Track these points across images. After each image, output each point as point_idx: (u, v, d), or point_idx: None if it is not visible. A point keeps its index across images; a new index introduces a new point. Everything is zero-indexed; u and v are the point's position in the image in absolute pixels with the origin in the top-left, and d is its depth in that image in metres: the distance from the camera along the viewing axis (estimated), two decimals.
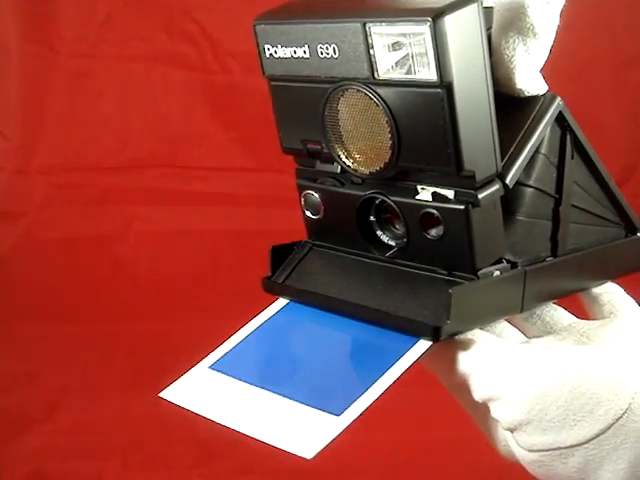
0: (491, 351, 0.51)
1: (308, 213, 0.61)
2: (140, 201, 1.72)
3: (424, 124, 0.49)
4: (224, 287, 1.43)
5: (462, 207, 0.50)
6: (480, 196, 0.50)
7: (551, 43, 0.55)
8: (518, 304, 0.55)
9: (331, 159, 0.56)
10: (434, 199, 0.52)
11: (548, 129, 0.56)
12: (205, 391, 0.60)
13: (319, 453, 0.52)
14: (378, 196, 0.54)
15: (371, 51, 0.50)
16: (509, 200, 0.53)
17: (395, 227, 0.56)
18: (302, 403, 0.53)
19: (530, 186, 0.55)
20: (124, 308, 1.37)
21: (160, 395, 0.56)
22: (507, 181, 0.52)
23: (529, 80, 0.55)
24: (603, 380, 0.49)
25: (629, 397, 0.48)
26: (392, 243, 0.56)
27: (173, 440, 1.03)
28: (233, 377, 0.59)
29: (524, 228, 0.55)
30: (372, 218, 0.56)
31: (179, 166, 1.78)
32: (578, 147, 0.59)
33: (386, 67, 0.50)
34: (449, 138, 0.48)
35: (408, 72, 0.49)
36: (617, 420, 0.48)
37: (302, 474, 0.95)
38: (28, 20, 1.76)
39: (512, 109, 0.54)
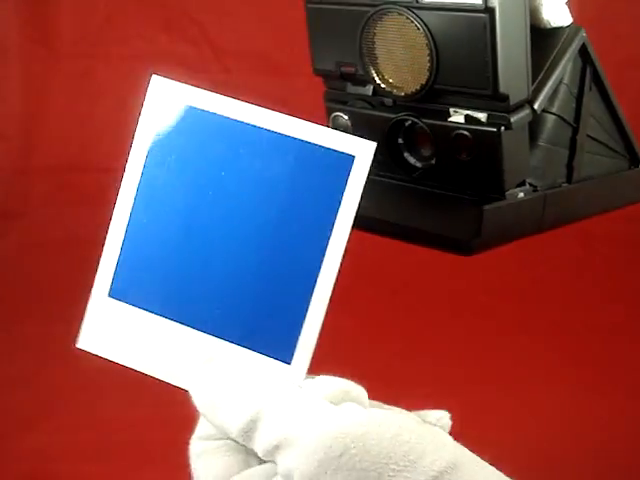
0: (285, 390, 0.44)
1: None
2: None
3: (464, 47, 0.51)
4: None
5: (495, 129, 0.52)
6: (512, 119, 0.52)
7: None
8: (536, 225, 0.57)
9: (363, 82, 0.57)
10: (467, 121, 0.53)
11: (571, 60, 0.58)
12: (118, 331, 0.51)
13: None
14: (409, 118, 0.55)
15: None
16: (532, 126, 0.55)
17: (422, 149, 0.57)
18: (240, 346, 0.44)
19: (552, 113, 0.57)
20: None
21: (78, 347, 0.51)
22: (535, 106, 0.54)
23: (555, 11, 0.56)
24: (426, 432, 0.43)
25: (452, 451, 0.43)
26: (418, 165, 0.57)
27: (173, 440, 1.03)
28: (141, 308, 0.49)
29: (544, 154, 0.57)
30: (400, 140, 0.57)
31: None
32: (596, 79, 0.61)
33: None
34: (489, 61, 0.50)
35: None
36: (442, 474, 0.42)
37: None
38: (28, 20, 1.76)
39: (539, 39, 0.55)
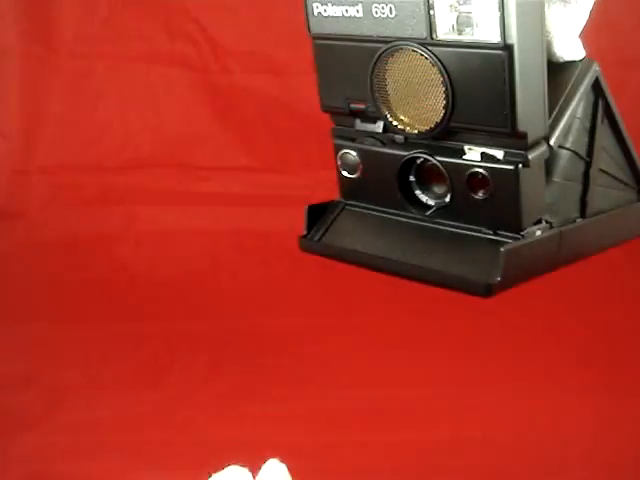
0: None
1: (344, 172, 0.60)
2: (140, 201, 1.72)
3: (481, 85, 0.50)
4: (224, 287, 1.43)
5: (512, 167, 0.51)
6: (530, 156, 0.51)
7: (590, 8, 0.55)
8: (553, 262, 0.56)
9: (373, 118, 0.56)
10: (483, 159, 0.52)
11: (585, 94, 0.57)
12: None
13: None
14: (422, 156, 0.54)
15: (431, 11, 0.50)
16: (547, 162, 0.54)
17: (435, 187, 0.56)
18: None
19: (567, 149, 0.56)
20: (124, 308, 1.37)
21: None
22: (552, 143, 0.52)
23: (568, 46, 0.55)
24: None
25: None
26: (431, 203, 0.56)
27: (173, 440, 1.03)
28: None
29: (559, 190, 0.56)
30: (412, 178, 0.56)
31: (179, 166, 1.78)
32: (607, 112, 0.60)
33: (446, 28, 0.50)
34: (507, 99, 0.49)
35: (468, 33, 0.49)
36: None
37: (302, 474, 0.95)
38: (28, 20, 1.76)
39: (552, 74, 0.54)
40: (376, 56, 0.53)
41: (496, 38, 0.47)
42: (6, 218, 1.69)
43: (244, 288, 1.42)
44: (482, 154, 0.51)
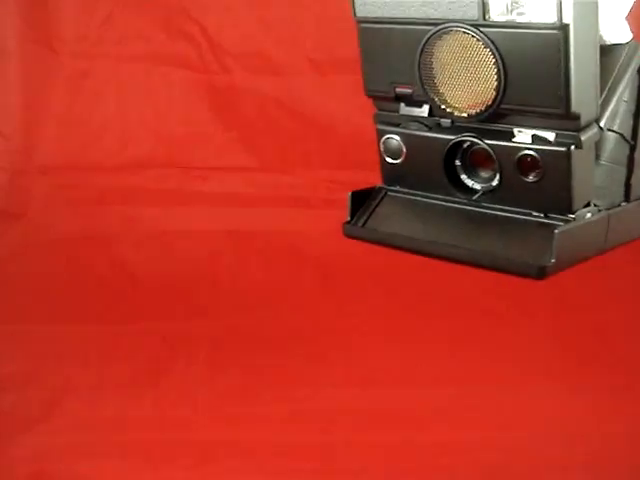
0: None
1: (387, 158, 0.59)
2: (140, 201, 1.72)
3: (534, 66, 0.49)
4: (224, 287, 1.43)
5: (564, 149, 0.50)
6: (583, 138, 0.50)
7: None
8: (600, 245, 0.55)
9: (419, 103, 0.54)
10: (534, 141, 0.51)
11: (632, 78, 0.56)
12: None
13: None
14: (470, 139, 0.53)
15: None
16: (596, 145, 0.53)
17: (482, 171, 0.55)
18: None
19: (615, 132, 0.55)
20: (124, 308, 1.37)
21: None
22: (602, 125, 0.52)
23: (614, 28, 0.54)
24: None
25: None
26: (477, 187, 0.54)
27: (173, 440, 1.03)
28: None
29: (607, 173, 0.55)
30: (458, 163, 0.55)
31: (179, 166, 1.78)
32: None
33: (499, 9, 0.49)
34: (561, 80, 0.48)
35: (522, 14, 0.48)
36: None
37: (302, 474, 0.95)
38: (28, 20, 1.76)
39: (601, 56, 0.53)
40: (425, 38, 0.52)
41: (552, 18, 0.47)
42: (6, 218, 1.69)
43: (244, 288, 1.41)
44: (533, 136, 0.50)
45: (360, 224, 0.59)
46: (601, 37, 0.53)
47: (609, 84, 0.53)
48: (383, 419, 1.01)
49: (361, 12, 0.57)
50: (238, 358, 1.18)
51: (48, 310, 1.38)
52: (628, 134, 0.56)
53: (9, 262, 1.57)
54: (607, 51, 0.54)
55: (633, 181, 0.55)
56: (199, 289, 1.44)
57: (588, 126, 0.49)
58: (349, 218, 0.59)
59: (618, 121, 0.55)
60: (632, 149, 0.57)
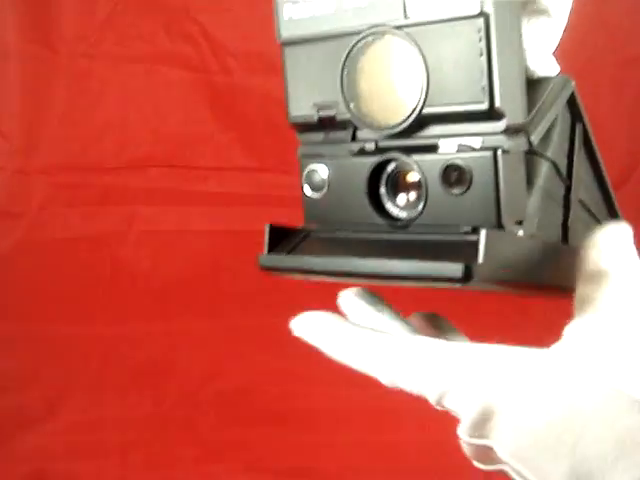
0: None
1: (309, 192, 0.57)
2: (140, 201, 1.72)
3: (456, 60, 0.48)
4: (224, 287, 1.43)
5: (490, 153, 0.48)
6: (509, 142, 0.48)
7: (565, 23, 0.54)
8: (536, 274, 0.52)
9: (343, 126, 0.53)
10: (459, 150, 0.50)
11: (561, 111, 0.54)
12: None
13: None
14: (393, 156, 0.51)
15: None
16: (527, 168, 0.51)
17: (407, 197, 0.53)
18: None
19: (547, 158, 0.54)
20: (124, 308, 1.37)
21: None
22: (532, 138, 0.50)
23: (541, 61, 0.54)
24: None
25: None
26: (403, 215, 0.53)
27: (173, 440, 1.03)
28: None
29: (540, 203, 0.53)
30: (382, 190, 0.53)
31: (179, 166, 1.78)
32: (585, 140, 0.58)
33: (421, 6, 0.48)
34: (484, 70, 0.47)
35: (443, 7, 0.47)
36: None
37: (302, 474, 0.95)
38: (28, 20, 1.76)
39: (528, 88, 0.52)
40: (348, 48, 0.50)
41: (473, 8, 0.46)
42: (6, 218, 1.69)
43: (244, 288, 1.42)
44: (458, 145, 0.48)
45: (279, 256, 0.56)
46: (527, 69, 0.52)
47: (537, 105, 0.52)
48: (383, 419, 1.01)
49: (285, 33, 0.55)
50: (238, 358, 1.18)
51: (48, 310, 1.38)
52: (562, 171, 0.54)
53: (9, 262, 1.57)
54: (534, 83, 0.52)
55: (571, 224, 0.53)
56: (199, 289, 1.44)
57: (516, 132, 0.47)
58: (266, 251, 0.55)
59: (551, 150, 0.53)
60: (568, 189, 0.55)
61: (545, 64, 0.54)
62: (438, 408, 0.49)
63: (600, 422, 0.43)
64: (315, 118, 0.54)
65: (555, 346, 0.49)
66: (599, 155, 0.59)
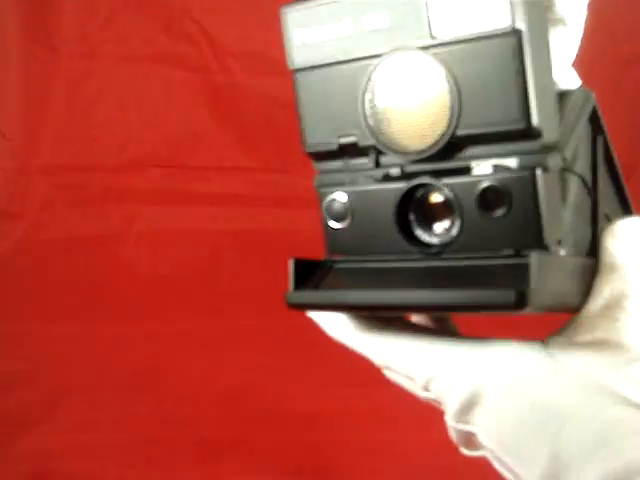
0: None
1: (331, 222, 0.53)
2: (140, 201, 1.72)
3: (489, 81, 0.45)
4: (224, 287, 1.43)
5: (529, 173, 0.46)
6: (548, 159, 0.46)
7: (581, 32, 0.53)
8: (579, 293, 0.49)
9: (365, 152, 0.50)
10: (495, 172, 0.47)
11: (585, 126, 0.52)
12: None
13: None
14: (423, 182, 0.48)
15: (430, 9, 0.46)
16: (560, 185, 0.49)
17: (439, 223, 0.49)
18: None
19: (576, 173, 0.51)
20: (124, 308, 1.37)
21: None
22: (565, 154, 0.48)
23: (562, 73, 0.52)
24: None
25: None
26: (435, 241, 0.49)
27: (173, 440, 1.03)
28: None
29: (573, 219, 0.50)
30: (412, 217, 0.49)
31: (179, 166, 1.78)
32: (607, 155, 0.56)
33: (448, 25, 0.45)
34: (519, 91, 0.44)
35: (472, 25, 0.45)
36: None
37: (302, 474, 0.95)
38: (28, 20, 1.76)
39: None
40: (370, 71, 0.46)
41: (504, 24, 0.43)
42: (6, 218, 1.69)
43: (244, 288, 1.42)
44: (494, 166, 0.44)
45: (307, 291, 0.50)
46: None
47: (565, 119, 0.49)
48: (383, 419, 1.01)
49: (298, 61, 0.50)
50: (238, 358, 1.18)
51: (48, 310, 1.38)
52: (589, 187, 0.52)
53: (9, 262, 1.57)
54: (559, 95, 0.49)
55: (598, 239, 0.51)
56: (199, 289, 1.44)
57: (551, 149, 0.45)
58: (292, 288, 0.50)
59: (578, 164, 0.51)
60: (594, 204, 0.52)
61: (567, 76, 0.53)
62: (423, 395, 0.51)
63: (583, 412, 0.45)
64: (335, 146, 0.50)
65: (549, 338, 0.50)
66: (619, 168, 0.58)
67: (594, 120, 0.54)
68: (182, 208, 1.72)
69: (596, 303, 0.49)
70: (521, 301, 0.43)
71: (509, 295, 0.43)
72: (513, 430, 0.46)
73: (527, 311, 0.45)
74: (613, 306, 0.49)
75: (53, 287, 1.46)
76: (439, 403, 0.50)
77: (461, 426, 0.49)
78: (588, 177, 0.53)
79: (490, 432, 0.48)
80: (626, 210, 0.59)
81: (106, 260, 1.56)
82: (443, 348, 0.50)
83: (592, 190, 0.54)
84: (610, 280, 0.49)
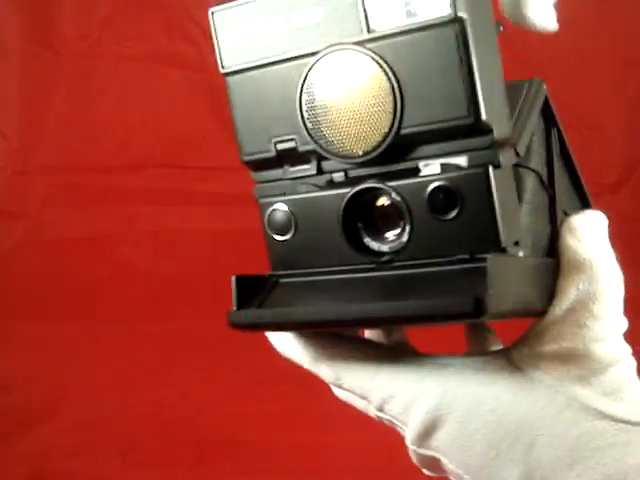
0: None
1: (274, 235, 0.49)
2: (140, 201, 1.72)
3: (433, 75, 0.42)
4: (224, 287, 1.43)
5: (481, 170, 0.43)
6: (500, 155, 0.43)
7: None
8: (541, 299, 0.47)
9: (306, 158, 0.47)
10: (444, 171, 0.43)
11: (538, 117, 0.50)
12: None
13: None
14: (370, 186, 0.45)
15: (367, 3, 0.43)
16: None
17: (388, 230, 0.46)
18: None
19: (532, 169, 0.49)
20: (124, 308, 1.37)
21: None
22: (518, 149, 0.45)
23: (542, 11, 0.48)
24: None
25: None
26: (385, 249, 0.46)
27: (173, 440, 1.03)
28: None
29: (529, 218, 0.48)
30: (359, 225, 0.46)
31: (179, 166, 1.78)
32: (562, 147, 0.54)
33: (385, 18, 0.43)
34: (466, 83, 0.42)
35: (411, 15, 0.42)
36: None
37: (301, 474, 0.95)
38: (28, 20, 1.76)
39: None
40: (305, 71, 0.43)
41: (444, 12, 0.40)
42: (6, 218, 1.69)
43: None
44: (442, 165, 0.42)
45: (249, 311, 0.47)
46: (528, 18, 0.46)
47: (516, 112, 0.46)
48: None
49: (229, 63, 0.46)
50: (238, 358, 1.18)
51: (48, 310, 1.38)
52: (545, 182, 0.49)
53: (9, 262, 1.57)
54: (508, 87, 0.47)
55: (555, 237, 0.48)
56: (199, 289, 1.44)
57: (503, 145, 0.42)
58: (235, 307, 0.46)
59: (533, 160, 0.48)
60: (551, 200, 0.50)
61: (545, 15, 0.49)
62: (376, 415, 0.47)
63: (554, 428, 0.43)
64: (273, 153, 0.47)
65: (512, 349, 0.47)
66: (575, 160, 0.55)
67: (546, 111, 0.51)
68: (182, 208, 1.71)
69: (560, 306, 0.46)
70: (480, 308, 0.41)
71: (466, 303, 0.40)
72: (481, 452, 0.43)
73: (486, 318, 0.42)
74: (579, 309, 0.45)
75: (53, 287, 1.46)
76: (395, 425, 0.47)
77: (423, 451, 0.46)
78: (544, 173, 0.51)
79: (455, 456, 0.44)
80: (585, 205, 0.56)
81: (106, 260, 1.56)
82: (398, 367, 0.46)
83: (549, 186, 0.51)
84: (574, 281, 0.46)
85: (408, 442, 0.46)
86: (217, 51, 0.48)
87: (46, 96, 1.77)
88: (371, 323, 0.47)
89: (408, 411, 0.45)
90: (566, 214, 0.50)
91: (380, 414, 0.47)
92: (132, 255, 1.59)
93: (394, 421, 0.46)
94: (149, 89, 1.79)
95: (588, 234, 0.47)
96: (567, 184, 0.54)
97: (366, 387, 0.46)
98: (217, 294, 1.55)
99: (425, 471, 0.48)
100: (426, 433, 0.45)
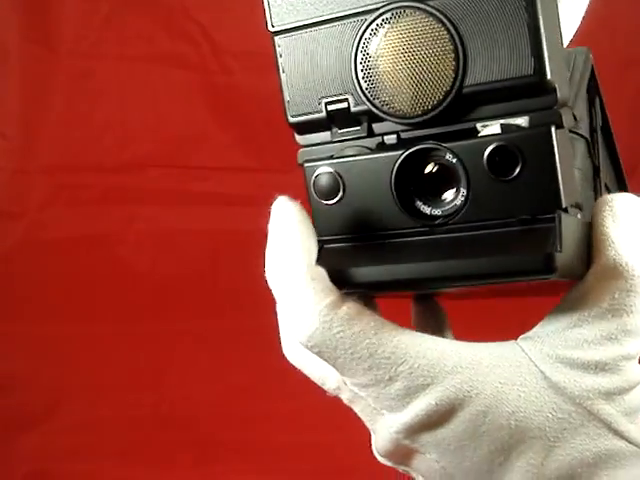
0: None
1: (320, 200, 0.48)
2: (140, 201, 1.72)
3: (497, 33, 0.41)
4: (224, 287, 1.43)
5: (544, 129, 0.42)
6: (563, 115, 0.42)
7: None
8: (582, 264, 0.45)
9: (356, 120, 0.45)
10: (504, 131, 0.42)
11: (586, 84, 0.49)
12: None
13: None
14: (426, 147, 0.43)
15: None
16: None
17: (442, 193, 0.44)
18: None
19: (582, 136, 0.48)
20: (124, 308, 1.37)
21: None
22: (576, 113, 0.44)
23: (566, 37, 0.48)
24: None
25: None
26: (438, 212, 0.44)
27: (173, 440, 1.03)
28: None
29: (580, 184, 0.47)
30: (411, 187, 0.44)
31: (179, 166, 1.78)
32: (604, 118, 0.53)
33: None
34: (532, 39, 0.41)
35: None
36: None
37: (301, 474, 0.95)
38: (28, 20, 1.76)
39: None
40: (362, 29, 0.42)
41: None
42: (6, 218, 1.69)
43: (244, 288, 1.42)
44: (502, 125, 0.40)
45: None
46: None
47: (570, 78, 0.46)
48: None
49: (278, 22, 0.45)
50: (238, 358, 1.18)
51: (48, 310, 1.38)
52: (591, 150, 0.48)
53: (9, 262, 1.57)
54: None
55: None
56: (199, 289, 1.44)
57: (563, 107, 0.41)
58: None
59: (583, 126, 0.47)
60: (596, 172, 0.49)
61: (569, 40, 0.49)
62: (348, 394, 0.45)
63: (573, 442, 0.41)
64: (323, 113, 0.46)
65: (529, 342, 0.45)
66: (614, 135, 0.55)
67: (591, 81, 0.51)
68: (182, 208, 1.71)
69: (590, 313, 0.43)
70: (550, 265, 0.40)
71: (537, 259, 0.40)
72: (486, 456, 0.41)
73: (554, 276, 0.40)
74: (611, 319, 0.43)
75: (53, 287, 1.46)
76: (364, 406, 0.44)
77: (407, 442, 0.43)
78: (589, 142, 0.50)
79: (451, 455, 0.41)
80: (621, 183, 0.56)
81: (106, 260, 1.56)
82: (415, 347, 0.43)
83: (594, 155, 0.50)
84: (609, 288, 0.43)
85: (392, 429, 0.43)
86: (266, 9, 0.48)
87: (46, 96, 1.77)
88: (442, 281, 0.44)
89: (411, 397, 0.42)
90: (607, 188, 0.49)
91: (356, 389, 0.44)
92: (132, 255, 1.59)
93: (374, 403, 0.43)
94: (149, 89, 1.79)
95: (625, 217, 0.44)
96: (607, 159, 0.53)
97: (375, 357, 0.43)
98: (217, 294, 1.57)
99: (386, 462, 0.46)
100: (426, 424, 0.41)
